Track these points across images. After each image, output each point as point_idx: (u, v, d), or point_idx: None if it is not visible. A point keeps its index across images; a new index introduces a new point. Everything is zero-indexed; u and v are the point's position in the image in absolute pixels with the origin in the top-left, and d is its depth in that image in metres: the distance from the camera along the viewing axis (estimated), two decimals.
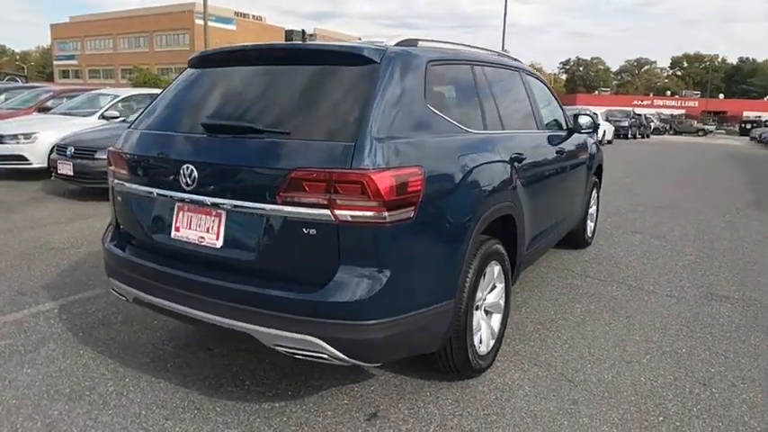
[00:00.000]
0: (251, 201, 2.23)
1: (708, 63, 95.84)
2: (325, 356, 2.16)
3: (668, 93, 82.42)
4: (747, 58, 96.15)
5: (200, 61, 2.84)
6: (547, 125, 4.06)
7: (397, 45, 2.57)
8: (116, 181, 2.74)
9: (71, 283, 4.26)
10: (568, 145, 4.30)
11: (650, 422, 2.56)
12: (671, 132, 48.92)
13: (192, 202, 2.40)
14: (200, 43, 58.52)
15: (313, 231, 2.11)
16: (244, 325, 2.24)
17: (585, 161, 4.83)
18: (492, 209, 2.70)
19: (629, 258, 5.31)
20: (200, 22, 59.73)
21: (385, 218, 2.08)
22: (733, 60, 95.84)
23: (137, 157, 2.64)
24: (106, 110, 9.78)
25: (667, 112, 62.62)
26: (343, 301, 2.09)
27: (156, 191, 2.52)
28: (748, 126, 50.20)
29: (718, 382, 2.95)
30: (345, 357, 2.15)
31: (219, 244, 2.35)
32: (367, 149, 2.10)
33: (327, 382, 2.82)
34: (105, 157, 6.90)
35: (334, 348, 2.13)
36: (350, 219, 2.08)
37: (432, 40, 2.86)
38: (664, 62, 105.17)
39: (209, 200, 2.34)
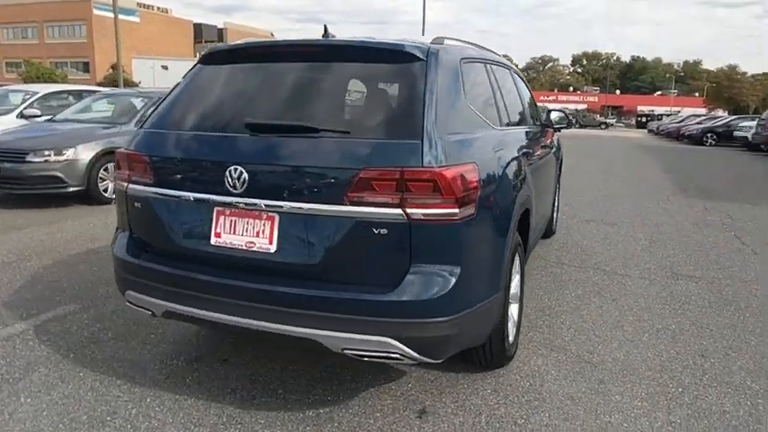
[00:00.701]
0: (313, 203, 2.15)
1: (605, 60, 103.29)
2: (398, 356, 2.14)
3: (571, 89, 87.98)
4: (639, 57, 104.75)
5: (219, 57, 2.68)
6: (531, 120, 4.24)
7: (431, 43, 2.56)
8: (132, 186, 2.52)
9: (35, 300, 3.86)
10: (547, 139, 4.51)
11: (672, 394, 2.75)
12: (577, 126, 52.33)
13: (237, 205, 2.27)
14: (99, 37, 54.43)
15: (384, 231, 2.07)
16: (308, 331, 2.15)
17: (557, 153, 5.08)
18: (522, 202, 2.79)
19: (593, 245, 5.64)
20: (99, 12, 55.60)
21: (456, 214, 2.08)
22: (626, 59, 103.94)
23: (164, 159, 2.45)
24: (25, 108, 8.94)
25: (572, 107, 66.87)
26: (419, 300, 2.08)
27: (192, 195, 2.35)
28: (644, 119, 54.96)
29: (714, 353, 3.22)
30: (417, 356, 2.13)
31: (273, 248, 2.23)
32: (434, 147, 2.10)
33: (362, 383, 2.77)
34: (39, 160, 6.64)
35: (408, 347, 2.10)
36: (422, 217, 2.06)
37: (453, 39, 2.88)
38: (566, 60, 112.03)
39: (262, 203, 2.21)
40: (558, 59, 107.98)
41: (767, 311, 3.90)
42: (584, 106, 73.72)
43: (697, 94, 76.68)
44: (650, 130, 42.40)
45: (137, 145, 2.56)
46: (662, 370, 3.00)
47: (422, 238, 2.08)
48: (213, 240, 2.34)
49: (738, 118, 26.85)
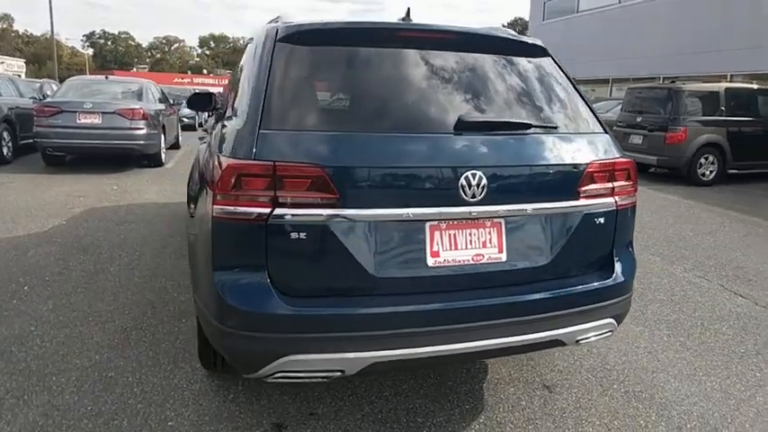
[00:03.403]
0: (544, 202, 2.08)
1: (232, 44, 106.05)
2: (610, 334, 2.31)
3: (205, 71, 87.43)
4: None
5: (327, 37, 2.13)
6: None
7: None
8: (289, 210, 1.83)
9: None
10: None
11: (734, 349, 3.29)
12: None
13: (463, 217, 1.97)
14: None
15: (602, 221, 2.19)
16: (549, 334, 2.08)
17: None
18: None
19: None
20: None
21: (634, 197, 2.36)
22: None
23: (355, 170, 1.87)
24: None
25: (214, 90, 66.64)
26: (627, 279, 2.28)
27: (406, 211, 1.90)
28: None
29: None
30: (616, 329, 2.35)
31: (504, 257, 2.04)
32: (613, 139, 2.31)
33: (458, 380, 2.77)
34: None
35: (618, 323, 2.30)
36: (623, 203, 2.27)
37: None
38: (193, 41, 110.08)
39: (497, 208, 2.00)
40: (183, 41, 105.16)
41: None
42: (220, 89, 74.57)
43: None
44: None
45: (294, 153, 1.85)
46: (710, 325, 3.90)
47: (621, 223, 2.28)
48: (430, 261, 1.95)
49: None
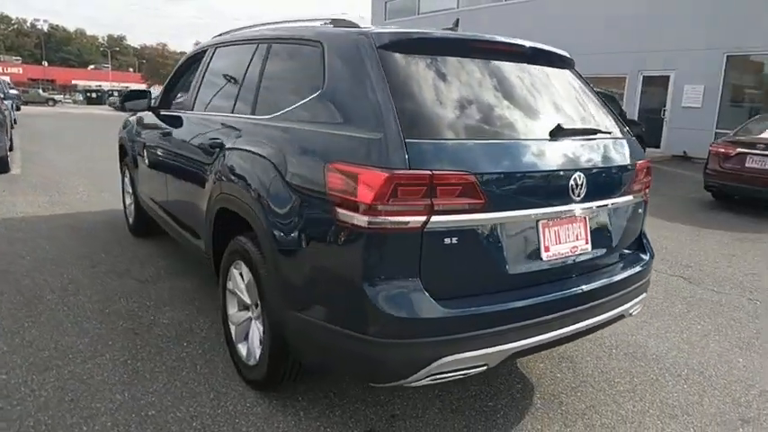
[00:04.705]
0: (614, 197, 2.42)
1: (16, 26, 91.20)
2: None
3: None
4: (58, 26, 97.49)
5: (430, 47, 2.19)
6: None
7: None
8: (442, 218, 1.87)
9: None
10: None
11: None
12: (20, 103, 45.13)
13: (567, 214, 2.20)
14: None
15: (640, 210, 2.62)
16: (619, 310, 2.42)
17: None
18: None
19: None
20: None
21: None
22: (44, 27, 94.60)
23: (497, 175, 1.98)
24: None
25: None
26: (653, 254, 2.74)
27: (532, 212, 2.10)
28: (94, 95, 52.81)
29: None
30: None
31: (590, 247, 2.32)
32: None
33: (506, 369, 3.03)
34: None
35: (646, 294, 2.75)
36: (647, 194, 2.70)
37: None
38: None
39: (591, 205, 2.27)
40: None
41: None
42: (6, 78, 63.76)
43: (132, 70, 79.29)
44: (112, 105, 41.40)
45: (444, 162, 1.88)
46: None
47: (645, 211, 2.72)
48: (544, 256, 2.15)
49: None
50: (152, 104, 4.23)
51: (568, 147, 2.26)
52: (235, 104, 2.92)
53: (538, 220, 2.15)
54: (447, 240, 1.91)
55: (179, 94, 4.03)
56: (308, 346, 2.19)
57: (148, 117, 4.30)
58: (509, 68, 2.36)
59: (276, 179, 2.25)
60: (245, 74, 2.91)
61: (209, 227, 2.86)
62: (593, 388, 2.80)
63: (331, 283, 2.04)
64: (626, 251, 2.62)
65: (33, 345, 2.98)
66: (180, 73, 4.12)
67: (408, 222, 1.85)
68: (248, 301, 2.63)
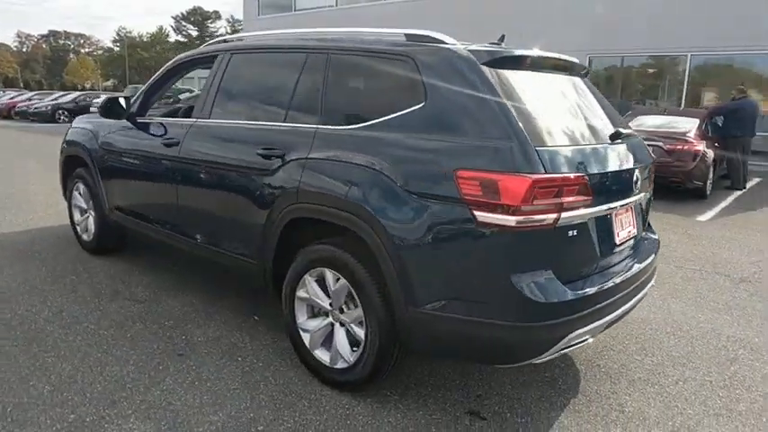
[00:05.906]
0: (646, 188, 2.93)
1: None
2: None
3: None
4: None
5: (524, 63, 2.55)
6: None
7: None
8: (567, 214, 2.21)
9: None
10: None
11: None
12: None
13: (628, 205, 2.68)
14: None
15: (651, 198, 3.16)
16: (652, 282, 2.94)
17: None
18: None
19: None
20: None
21: None
22: None
23: (599, 176, 2.41)
24: None
25: None
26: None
27: (618, 203, 2.56)
28: None
29: None
30: None
31: (635, 231, 2.82)
32: None
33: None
34: None
35: None
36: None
37: None
38: None
39: (639, 197, 2.79)
40: None
41: None
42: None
43: None
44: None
45: (567, 166, 2.23)
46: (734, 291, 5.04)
47: (651, 195, 3.28)
48: (617, 240, 2.59)
49: (85, 94, 27.59)
50: (132, 111, 3.93)
51: (626, 148, 2.73)
52: (287, 114, 2.92)
53: (613, 211, 2.56)
54: (570, 233, 2.27)
55: (176, 102, 3.81)
56: (432, 340, 2.37)
57: (126, 125, 3.98)
58: (566, 80, 2.80)
59: (389, 186, 2.36)
60: (297, 82, 2.92)
61: (274, 238, 2.84)
62: (614, 350, 3.33)
63: (470, 277, 2.24)
64: (647, 233, 3.16)
65: (77, 380, 2.73)
66: (167, 78, 3.90)
67: (545, 220, 2.15)
68: (328, 306, 2.70)
